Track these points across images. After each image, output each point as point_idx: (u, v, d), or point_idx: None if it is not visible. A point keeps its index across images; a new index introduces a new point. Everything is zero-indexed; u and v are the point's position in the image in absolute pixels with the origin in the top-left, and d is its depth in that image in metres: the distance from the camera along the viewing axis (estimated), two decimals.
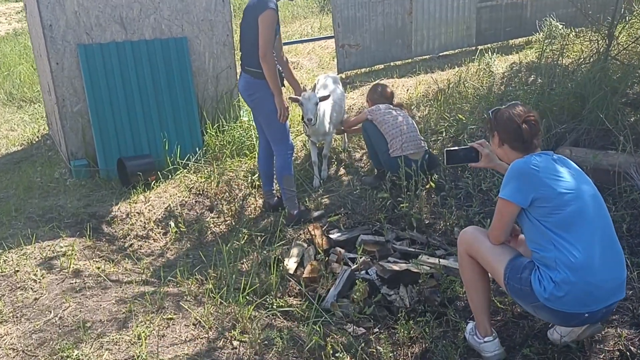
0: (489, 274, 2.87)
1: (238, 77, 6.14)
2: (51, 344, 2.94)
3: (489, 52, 7.72)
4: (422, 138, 4.93)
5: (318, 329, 3.12)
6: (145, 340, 2.94)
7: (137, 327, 3.06)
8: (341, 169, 5.56)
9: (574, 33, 7.53)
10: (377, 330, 3.35)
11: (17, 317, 3.20)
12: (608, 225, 2.61)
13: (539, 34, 7.99)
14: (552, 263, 2.52)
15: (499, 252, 2.73)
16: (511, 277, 2.64)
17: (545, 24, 7.89)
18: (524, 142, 2.74)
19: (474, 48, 9.24)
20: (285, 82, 4.73)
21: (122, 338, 2.98)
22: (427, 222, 4.38)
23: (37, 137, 7.15)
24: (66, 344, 2.92)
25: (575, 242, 2.50)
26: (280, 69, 4.54)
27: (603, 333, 2.87)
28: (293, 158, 4.73)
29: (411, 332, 3.15)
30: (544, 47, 6.86)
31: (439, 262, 3.69)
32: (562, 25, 7.70)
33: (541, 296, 2.52)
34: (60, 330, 3.06)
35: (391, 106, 5.05)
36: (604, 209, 2.65)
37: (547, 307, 2.53)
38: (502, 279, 2.67)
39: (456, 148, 3.13)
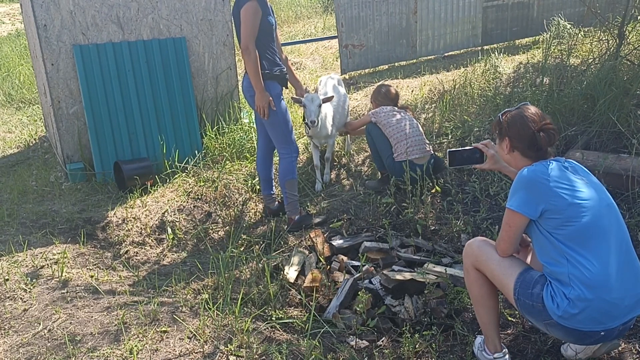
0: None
1: (238, 78, 6.05)
2: (39, 359, 2.80)
3: (495, 52, 7.59)
4: (428, 142, 4.79)
5: (318, 343, 2.97)
6: (137, 355, 2.80)
7: (129, 340, 2.92)
8: (344, 172, 5.42)
9: (582, 33, 7.39)
10: (381, 343, 3.20)
11: (4, 330, 3.07)
12: (625, 238, 2.44)
13: (547, 33, 7.84)
14: (565, 278, 2.36)
15: (508, 266, 2.57)
16: (521, 292, 2.48)
17: (552, 24, 7.74)
18: (539, 151, 2.56)
19: (479, 48, 9.11)
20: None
21: (114, 352, 2.84)
22: (432, 228, 4.24)
23: (34, 139, 7.03)
24: (55, 358, 2.78)
25: (590, 256, 2.33)
26: (285, 69, 4.40)
27: (620, 349, 2.72)
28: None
29: (417, 346, 3.00)
30: (550, 46, 6.71)
31: (446, 271, 3.54)
32: (570, 25, 7.55)
33: (554, 314, 2.36)
34: (49, 344, 2.92)
35: (396, 108, 4.91)
36: (621, 220, 2.48)
37: (561, 325, 2.37)
38: (512, 294, 2.51)
39: (459, 149, 2.99)
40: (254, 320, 3.21)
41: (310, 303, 3.52)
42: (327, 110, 4.99)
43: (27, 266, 3.79)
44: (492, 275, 2.61)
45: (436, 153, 4.94)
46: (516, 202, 2.46)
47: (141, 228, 4.59)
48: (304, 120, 4.90)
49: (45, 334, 3.00)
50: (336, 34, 8.54)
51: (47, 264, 3.82)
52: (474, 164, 2.97)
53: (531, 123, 2.56)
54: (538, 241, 2.50)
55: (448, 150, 2.99)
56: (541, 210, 2.41)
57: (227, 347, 2.88)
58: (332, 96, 4.95)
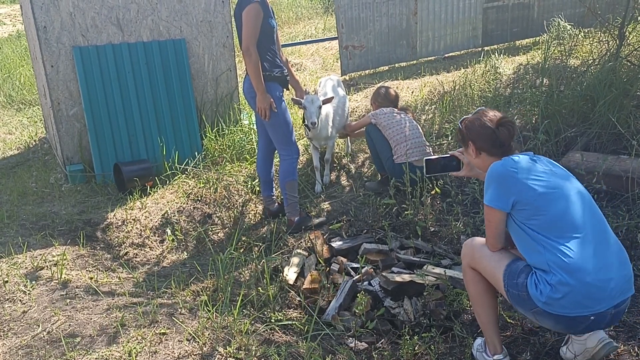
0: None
1: (238, 80, 6.05)
2: None
3: (496, 53, 7.58)
4: (428, 143, 4.79)
5: (317, 345, 2.97)
6: (135, 357, 2.80)
7: (128, 342, 2.92)
8: (343, 174, 5.42)
9: (582, 33, 7.39)
10: (380, 345, 3.20)
11: (3, 332, 3.07)
12: (599, 222, 2.46)
13: (547, 34, 7.84)
14: (545, 266, 2.38)
15: (497, 259, 2.60)
16: (509, 283, 2.50)
17: (552, 25, 7.74)
18: (502, 146, 2.64)
19: (480, 49, 9.11)
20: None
21: (112, 354, 2.84)
22: (432, 229, 4.23)
23: (35, 140, 7.03)
24: None
25: (566, 242, 2.35)
26: (285, 71, 4.40)
27: (619, 351, 2.71)
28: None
29: (416, 348, 3.00)
30: (549, 47, 6.72)
31: (445, 272, 3.53)
32: (570, 26, 7.55)
33: (539, 301, 2.37)
34: (48, 346, 2.92)
35: (396, 110, 4.91)
36: (594, 205, 2.51)
37: (547, 312, 2.37)
38: (502, 287, 2.53)
39: (436, 157, 3.04)
40: (253, 322, 3.21)
41: (310, 305, 3.52)
42: (327, 111, 4.99)
43: (26, 268, 3.78)
44: (485, 272, 2.64)
45: (436, 154, 4.94)
46: (489, 197, 2.53)
47: (141, 230, 4.59)
48: (303, 121, 4.90)
49: (44, 336, 3.00)
50: (336, 35, 8.54)
51: (47, 266, 3.82)
52: (451, 172, 3.01)
53: (488, 122, 2.66)
54: (515, 234, 2.53)
55: (425, 158, 3.04)
56: (512, 202, 2.46)
57: (226, 349, 2.88)
58: (332, 97, 4.95)
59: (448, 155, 3.00)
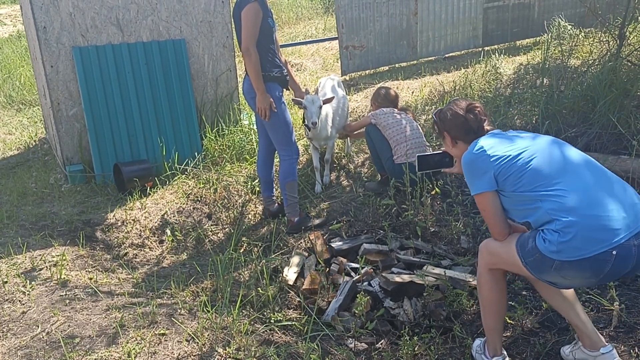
0: (512, 274, 2.71)
1: (238, 80, 6.05)
2: None
3: (496, 54, 7.58)
4: (428, 144, 4.78)
5: (316, 346, 2.97)
6: (135, 358, 2.79)
7: (127, 343, 2.92)
8: (343, 174, 5.41)
9: (582, 33, 7.38)
10: (380, 346, 3.19)
11: (2, 332, 3.06)
12: (582, 159, 2.48)
13: (547, 34, 7.83)
14: (547, 217, 2.36)
15: (507, 242, 2.57)
16: (523, 254, 2.46)
17: (553, 25, 7.73)
18: (475, 133, 2.66)
19: (480, 49, 9.10)
20: None
21: (112, 355, 2.84)
22: (432, 230, 4.23)
23: (34, 141, 7.03)
24: None
25: (558, 186, 2.36)
26: (285, 71, 4.40)
27: (620, 352, 2.70)
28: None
29: (415, 348, 3.00)
30: (550, 47, 6.71)
31: (445, 273, 3.53)
32: (570, 26, 7.55)
33: (551, 252, 2.31)
34: (47, 347, 2.91)
35: (396, 110, 4.90)
36: (569, 147, 2.53)
37: (566, 261, 2.29)
38: (521, 264, 2.48)
39: (429, 153, 3.04)
40: (252, 322, 3.20)
41: (309, 305, 3.51)
42: (327, 111, 4.98)
43: (25, 268, 3.78)
44: (503, 261, 2.59)
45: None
46: (475, 187, 2.55)
47: (140, 230, 4.58)
48: (303, 121, 4.90)
49: (43, 337, 2.99)
50: (336, 35, 8.53)
51: (46, 266, 3.82)
52: (443, 168, 3.00)
53: (459, 110, 2.70)
54: (509, 205, 2.53)
55: (417, 155, 3.03)
56: (494, 177, 2.49)
57: (226, 349, 2.88)
58: (333, 97, 4.94)
59: (441, 151, 2.99)
